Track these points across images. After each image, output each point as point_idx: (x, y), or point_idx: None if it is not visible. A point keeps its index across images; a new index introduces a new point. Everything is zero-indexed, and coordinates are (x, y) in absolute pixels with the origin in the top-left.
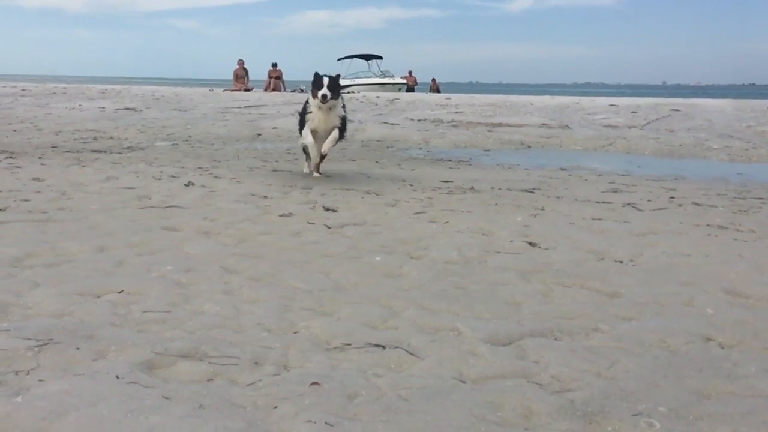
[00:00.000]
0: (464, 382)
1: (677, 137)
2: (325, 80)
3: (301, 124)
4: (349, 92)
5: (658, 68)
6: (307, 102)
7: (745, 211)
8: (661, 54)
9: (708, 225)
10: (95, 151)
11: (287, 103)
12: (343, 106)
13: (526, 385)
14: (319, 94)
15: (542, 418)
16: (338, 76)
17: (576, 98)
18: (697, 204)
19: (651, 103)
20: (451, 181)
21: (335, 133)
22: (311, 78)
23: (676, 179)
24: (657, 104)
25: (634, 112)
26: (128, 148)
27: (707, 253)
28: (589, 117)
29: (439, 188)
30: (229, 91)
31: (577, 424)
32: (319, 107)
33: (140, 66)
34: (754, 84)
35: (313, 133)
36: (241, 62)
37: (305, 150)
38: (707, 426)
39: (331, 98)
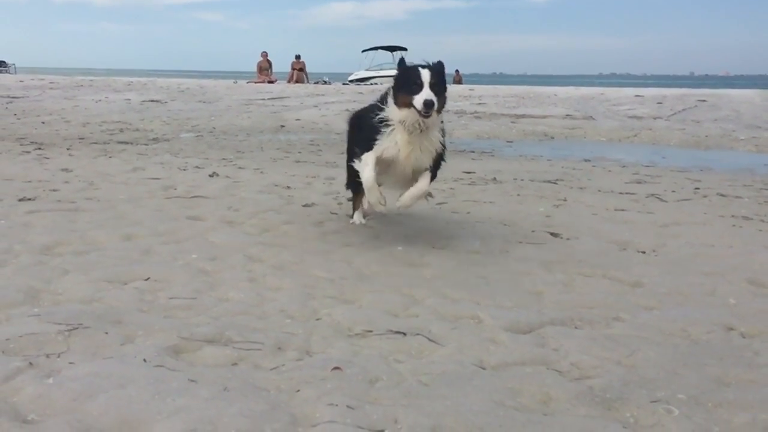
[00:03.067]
0: (484, 369)
1: (703, 128)
2: (425, 75)
3: (359, 142)
4: (372, 83)
5: (686, 58)
6: (374, 109)
7: None
8: (688, 44)
9: (733, 216)
10: (122, 142)
11: (310, 95)
12: (442, 125)
13: (545, 372)
14: (420, 100)
15: (561, 404)
16: (441, 64)
17: (601, 89)
18: (722, 195)
19: (677, 94)
20: (474, 172)
21: (425, 178)
22: (344, 69)
23: (701, 170)
24: (683, 95)
25: (660, 103)
26: (154, 139)
27: (731, 243)
28: (614, 108)
29: (461, 179)
30: (253, 83)
31: (595, 410)
32: (412, 127)
33: (166, 59)
34: None
35: (383, 165)
36: (264, 54)
37: (355, 187)
38: (726, 413)
39: (437, 109)
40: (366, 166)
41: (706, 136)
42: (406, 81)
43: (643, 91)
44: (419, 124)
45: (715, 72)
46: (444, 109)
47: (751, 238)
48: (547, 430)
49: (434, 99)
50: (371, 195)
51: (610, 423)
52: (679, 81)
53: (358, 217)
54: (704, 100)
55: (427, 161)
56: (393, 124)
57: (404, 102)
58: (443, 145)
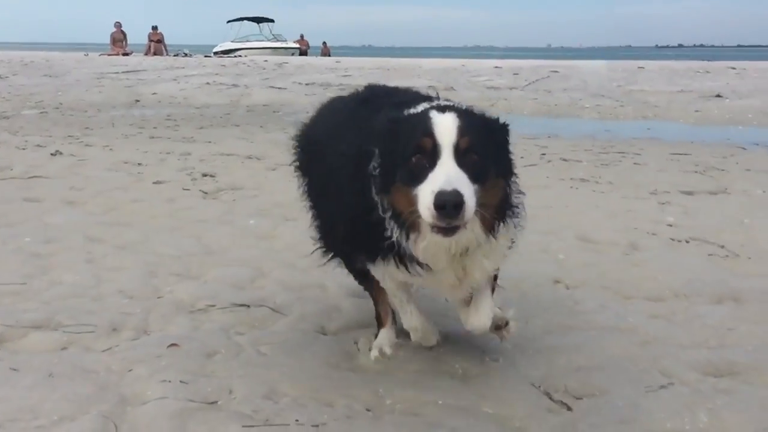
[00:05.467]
0: (325, 335)
1: (554, 97)
2: (445, 130)
3: (349, 238)
4: (237, 56)
5: (544, 31)
6: (353, 157)
7: (606, 164)
8: (546, 17)
9: (572, 179)
10: None
11: (169, 68)
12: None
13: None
14: (427, 199)
15: (396, 362)
16: (501, 124)
17: (463, 61)
18: (564, 160)
19: (533, 65)
20: None
21: (487, 293)
22: (208, 41)
23: (549, 137)
24: (538, 66)
25: (516, 74)
26: None
27: (567, 204)
28: (474, 79)
29: None
30: (106, 56)
31: (427, 365)
32: (441, 251)
33: (8, 30)
34: (630, 46)
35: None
36: (118, 25)
37: (364, 279)
38: (545, 358)
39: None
40: (402, 308)
41: (556, 104)
42: (400, 149)
43: (502, 62)
44: (452, 246)
45: (570, 44)
46: (508, 203)
47: (584, 198)
48: (380, 389)
49: (463, 191)
50: (419, 336)
51: (438, 375)
52: (537, 53)
53: (385, 341)
54: (556, 71)
55: (489, 272)
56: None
57: (400, 200)
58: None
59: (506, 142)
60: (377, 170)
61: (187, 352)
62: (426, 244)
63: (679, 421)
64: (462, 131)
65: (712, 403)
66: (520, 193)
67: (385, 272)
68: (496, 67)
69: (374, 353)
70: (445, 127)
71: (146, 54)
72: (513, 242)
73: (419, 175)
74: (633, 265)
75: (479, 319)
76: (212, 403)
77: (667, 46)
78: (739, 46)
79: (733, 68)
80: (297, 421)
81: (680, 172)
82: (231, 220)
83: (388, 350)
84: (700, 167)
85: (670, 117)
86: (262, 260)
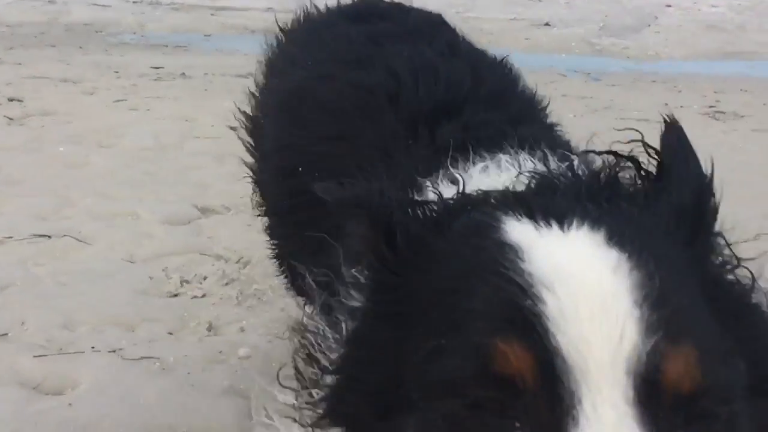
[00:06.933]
0: (133, 263)
1: None
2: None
3: None
4: None
5: None
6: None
7: None
8: None
9: None
10: None
11: None
12: None
13: (197, 258)
14: None
15: (211, 286)
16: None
17: None
18: None
19: None
20: (162, 68)
21: None
22: None
23: None
24: None
25: None
26: None
27: None
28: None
29: (147, 75)
30: None
31: (236, 287)
32: None
33: None
34: None
35: None
36: None
37: None
38: None
39: None
40: None
41: None
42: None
43: None
44: None
45: None
46: None
47: None
48: (185, 312)
49: None
50: None
51: (249, 295)
52: None
53: None
54: None
55: None
56: None
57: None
58: None
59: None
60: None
61: None
62: None
63: None
64: (669, 328)
65: None
66: None
67: None
68: None
69: None
70: (604, 314)
71: None
72: None
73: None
74: None
75: None
76: (2, 335)
77: None
78: None
79: None
80: (93, 348)
81: None
82: (38, 148)
83: None
84: None
85: (503, 44)
86: (71, 189)
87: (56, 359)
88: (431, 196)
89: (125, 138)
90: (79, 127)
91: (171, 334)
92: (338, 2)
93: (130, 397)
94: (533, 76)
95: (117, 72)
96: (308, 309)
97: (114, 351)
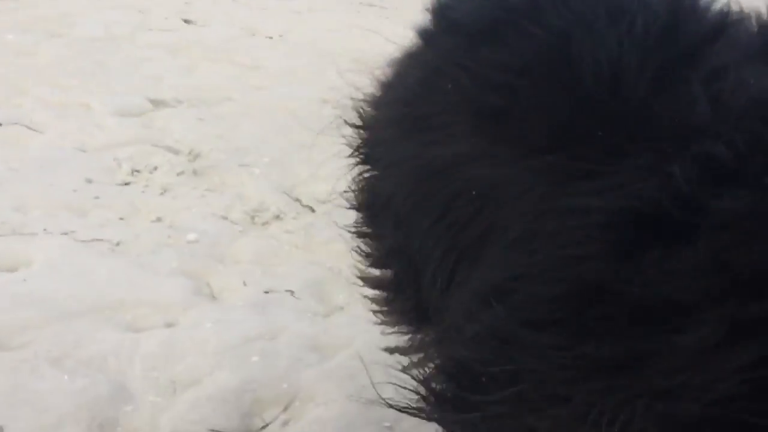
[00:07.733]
0: (85, 152)
1: None
2: None
3: None
4: None
5: None
6: None
7: None
8: None
9: (360, 3)
10: None
11: None
12: None
13: (149, 149)
14: None
15: (165, 177)
16: None
17: None
18: None
19: None
20: None
21: None
22: None
23: None
24: None
25: None
26: None
27: (350, 28)
28: None
29: None
30: None
31: (186, 178)
32: None
33: None
34: None
35: None
36: None
37: None
38: (296, 169)
39: None
40: None
41: None
42: None
43: None
44: None
45: None
46: None
47: (367, 22)
48: (137, 200)
49: None
50: None
51: (199, 185)
52: None
53: None
54: None
55: None
56: None
57: None
58: None
59: None
60: None
61: None
62: None
63: None
64: None
65: None
66: None
67: None
68: None
69: None
70: None
71: None
72: None
73: None
74: None
75: None
76: None
77: None
78: None
79: None
80: (45, 230)
81: None
82: None
83: None
84: None
85: None
86: (20, 78)
87: (9, 239)
88: None
89: (76, 27)
90: (27, 15)
91: (122, 219)
92: None
93: (82, 274)
94: None
95: None
96: None
97: (66, 233)
